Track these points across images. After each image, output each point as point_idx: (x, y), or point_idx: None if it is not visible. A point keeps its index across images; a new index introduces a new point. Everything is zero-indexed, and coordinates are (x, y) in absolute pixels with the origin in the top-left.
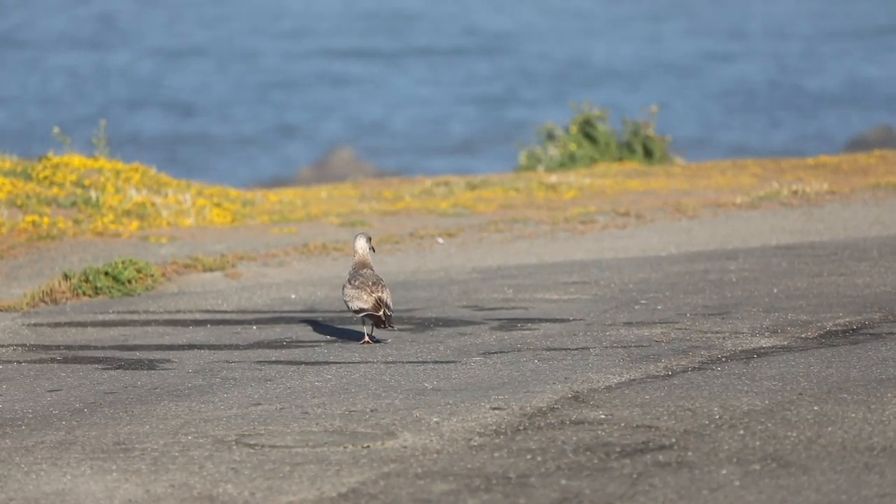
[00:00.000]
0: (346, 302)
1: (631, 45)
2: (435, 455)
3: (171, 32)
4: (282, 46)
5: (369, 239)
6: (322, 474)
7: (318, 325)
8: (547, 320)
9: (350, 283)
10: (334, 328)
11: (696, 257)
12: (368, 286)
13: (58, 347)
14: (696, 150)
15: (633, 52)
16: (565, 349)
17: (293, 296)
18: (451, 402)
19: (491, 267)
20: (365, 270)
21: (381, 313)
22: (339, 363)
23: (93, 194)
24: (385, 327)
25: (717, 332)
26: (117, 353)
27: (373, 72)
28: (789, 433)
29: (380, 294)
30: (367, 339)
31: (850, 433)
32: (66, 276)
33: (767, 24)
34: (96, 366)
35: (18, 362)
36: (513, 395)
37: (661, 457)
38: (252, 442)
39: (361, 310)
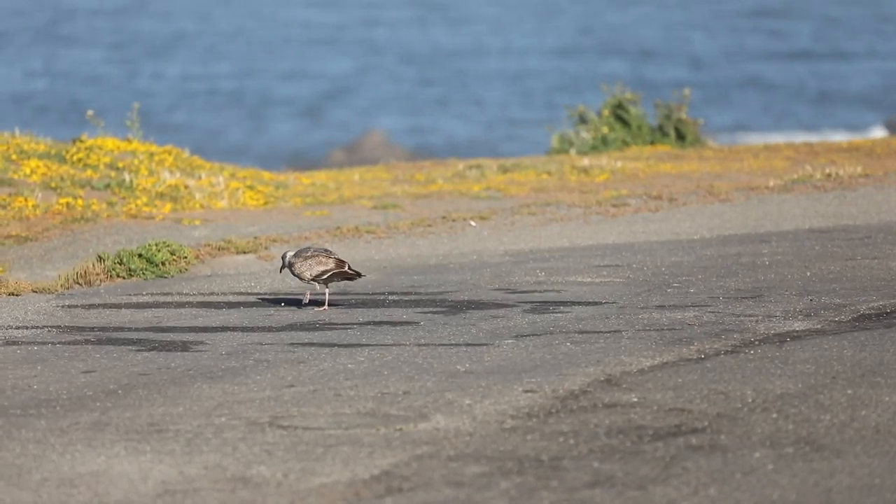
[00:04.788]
0: (299, 275)
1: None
2: (467, 437)
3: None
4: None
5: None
6: (355, 456)
7: (350, 308)
8: (579, 303)
9: (298, 258)
10: (367, 310)
11: (729, 241)
12: (322, 253)
13: (92, 329)
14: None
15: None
16: (598, 332)
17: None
18: (483, 384)
19: (523, 250)
20: (314, 246)
21: (346, 268)
22: (372, 345)
23: (126, 177)
24: (355, 278)
25: (749, 316)
26: (151, 335)
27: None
28: (823, 417)
29: (339, 257)
30: (325, 306)
31: (883, 417)
32: (99, 259)
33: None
34: (130, 347)
35: (53, 344)
36: (545, 378)
37: (693, 440)
38: (285, 424)
39: (324, 272)
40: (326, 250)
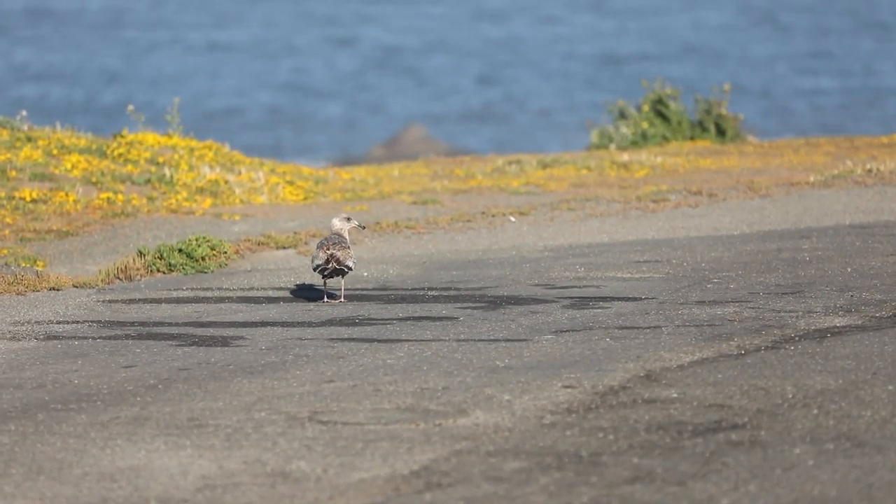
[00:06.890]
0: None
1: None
2: (507, 433)
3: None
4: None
5: (349, 219)
6: (394, 451)
7: (390, 303)
8: (619, 299)
9: (317, 247)
10: (406, 306)
11: (769, 236)
12: (326, 246)
13: (132, 324)
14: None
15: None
16: (637, 328)
17: (365, 273)
18: (522, 380)
19: (562, 245)
20: (333, 235)
21: (329, 265)
22: (411, 341)
23: (167, 172)
24: (332, 276)
25: (790, 311)
26: (191, 330)
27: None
28: (863, 412)
29: (332, 251)
30: (327, 298)
31: None
32: (140, 253)
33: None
34: (170, 342)
35: (94, 338)
36: (585, 374)
37: (733, 436)
38: (325, 419)
39: (318, 266)
40: (336, 242)
